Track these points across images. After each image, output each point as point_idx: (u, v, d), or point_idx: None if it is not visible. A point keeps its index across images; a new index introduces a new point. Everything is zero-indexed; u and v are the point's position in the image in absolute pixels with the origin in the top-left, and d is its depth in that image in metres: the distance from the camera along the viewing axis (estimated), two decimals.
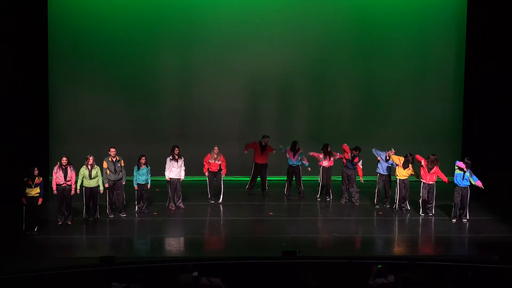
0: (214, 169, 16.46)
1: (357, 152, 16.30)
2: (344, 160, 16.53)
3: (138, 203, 15.64)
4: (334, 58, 19.30)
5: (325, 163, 16.78)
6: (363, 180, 16.60)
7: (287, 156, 17.08)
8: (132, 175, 15.50)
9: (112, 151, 15.17)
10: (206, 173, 16.51)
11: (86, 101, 18.86)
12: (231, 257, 12.45)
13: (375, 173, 16.42)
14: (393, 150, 16.07)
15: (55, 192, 14.58)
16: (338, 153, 16.78)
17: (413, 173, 15.88)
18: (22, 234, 13.88)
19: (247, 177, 18.19)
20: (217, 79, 19.15)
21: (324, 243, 14.28)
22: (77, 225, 14.67)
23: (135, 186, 15.50)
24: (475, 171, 15.31)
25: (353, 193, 16.62)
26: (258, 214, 16.08)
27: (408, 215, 15.89)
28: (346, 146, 16.50)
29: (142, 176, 15.44)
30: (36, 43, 17.55)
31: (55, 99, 18.63)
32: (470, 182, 15.16)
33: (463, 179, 15.13)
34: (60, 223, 14.56)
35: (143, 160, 15.41)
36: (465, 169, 15.12)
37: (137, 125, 19.03)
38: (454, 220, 15.35)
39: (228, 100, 19.20)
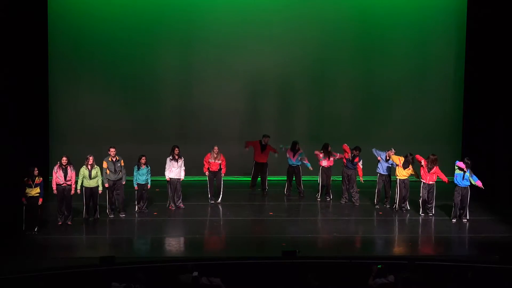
0: (214, 168, 16.46)
1: (357, 152, 16.30)
2: (345, 160, 16.53)
3: (138, 203, 15.65)
4: (334, 58, 19.30)
5: (325, 163, 16.78)
6: (363, 180, 16.60)
7: (287, 156, 17.09)
8: (132, 175, 15.50)
9: (112, 151, 15.17)
10: (206, 173, 16.51)
11: (86, 101, 18.86)
12: (231, 257, 12.45)
13: (375, 173, 16.42)
14: (393, 150, 16.07)
15: (55, 192, 14.58)
16: (338, 153, 16.78)
17: (413, 173, 15.88)
18: (22, 234, 13.88)
19: (247, 177, 18.22)
20: (217, 79, 19.15)
21: (324, 243, 14.28)
22: (77, 225, 14.68)
23: (135, 186, 15.50)
24: (475, 171, 15.31)
25: (353, 193, 16.62)
26: (258, 214, 16.08)
27: (408, 215, 15.90)
28: (346, 146, 16.50)
29: (142, 176, 15.45)
30: (36, 43, 17.54)
31: (55, 99, 18.63)
32: (470, 182, 15.17)
33: (463, 179, 15.13)
34: (60, 223, 14.57)
35: (143, 160, 15.42)
36: (465, 169, 15.13)
37: (137, 125, 19.04)
38: (454, 220, 15.35)
39: (228, 100, 19.20)
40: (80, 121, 18.86)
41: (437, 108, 19.45)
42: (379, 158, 16.23)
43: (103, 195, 15.08)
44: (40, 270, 11.45)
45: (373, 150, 16.39)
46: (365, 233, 14.77)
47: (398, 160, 15.80)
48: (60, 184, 14.51)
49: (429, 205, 15.73)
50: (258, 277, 11.11)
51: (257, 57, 19.12)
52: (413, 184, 16.05)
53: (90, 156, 14.81)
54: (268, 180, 17.53)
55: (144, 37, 18.84)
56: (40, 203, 14.14)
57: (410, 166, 15.76)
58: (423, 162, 15.58)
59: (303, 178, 17.29)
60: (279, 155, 17.35)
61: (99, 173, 14.89)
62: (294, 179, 17.21)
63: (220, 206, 16.46)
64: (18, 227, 14.01)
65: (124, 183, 15.33)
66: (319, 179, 16.96)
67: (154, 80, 19.10)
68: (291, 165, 17.10)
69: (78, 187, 14.77)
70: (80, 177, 14.77)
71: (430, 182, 15.61)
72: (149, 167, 15.50)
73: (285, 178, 17.40)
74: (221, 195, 16.55)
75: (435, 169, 15.56)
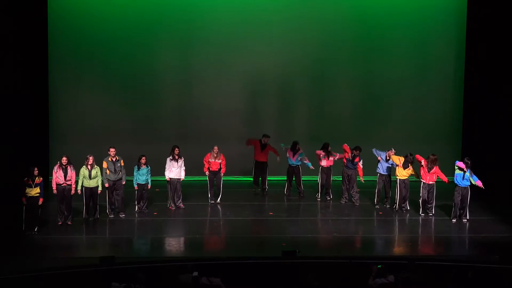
0: (215, 168, 16.47)
1: (358, 152, 16.29)
2: (345, 160, 16.53)
3: (138, 203, 15.65)
4: (334, 58, 19.30)
5: (324, 163, 16.78)
6: (364, 180, 16.60)
7: (287, 155, 17.09)
8: (132, 175, 15.50)
9: (112, 151, 15.17)
10: (207, 173, 16.51)
11: (86, 101, 18.86)
12: (231, 257, 12.45)
13: (375, 173, 16.41)
14: (393, 150, 16.06)
15: (55, 191, 14.58)
16: (338, 154, 16.78)
17: (413, 173, 15.87)
18: (22, 234, 13.88)
19: (247, 177, 18.23)
20: (217, 79, 19.15)
21: (324, 243, 14.28)
22: (77, 225, 14.67)
23: (135, 186, 15.50)
24: (475, 171, 15.30)
25: (353, 193, 16.62)
26: (258, 214, 16.08)
27: (408, 215, 15.89)
28: (346, 146, 16.50)
29: (142, 176, 15.45)
30: (36, 43, 17.55)
31: (55, 99, 18.63)
32: (471, 182, 15.16)
33: (463, 179, 15.13)
34: (60, 223, 14.56)
35: (143, 160, 15.42)
36: (465, 169, 15.12)
37: (137, 125, 19.03)
38: (454, 220, 15.35)
39: (228, 100, 19.20)
40: (80, 121, 18.85)
41: (437, 108, 19.45)
42: (379, 158, 16.23)
43: (103, 195, 15.08)
44: (40, 270, 11.45)
45: (373, 150, 16.39)
46: (365, 233, 14.77)
47: (398, 160, 15.79)
48: (60, 184, 14.51)
49: (429, 205, 15.72)
50: (258, 277, 11.11)
51: (257, 57, 19.12)
52: (413, 184, 16.05)
53: (90, 156, 14.81)
54: (268, 180, 17.53)
55: (144, 37, 18.84)
56: (41, 203, 14.13)
57: (410, 166, 15.75)
58: (423, 162, 15.58)
59: (303, 178, 17.28)
60: (281, 158, 17.32)
61: (99, 173, 14.89)
62: (294, 179, 17.21)
63: (220, 206, 16.46)
64: (18, 227, 14.01)
65: (124, 183, 15.32)
66: (319, 179, 16.96)
67: (154, 80, 19.10)
68: (291, 165, 17.10)
69: (79, 187, 14.76)
70: (80, 177, 14.76)
71: (430, 182, 15.61)
72: (149, 167, 15.50)
73: (285, 178, 17.39)
74: (220, 195, 16.55)
75: (435, 169, 15.56)
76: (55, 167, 14.60)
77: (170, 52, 19.04)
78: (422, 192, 15.67)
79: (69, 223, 14.61)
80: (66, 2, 18.62)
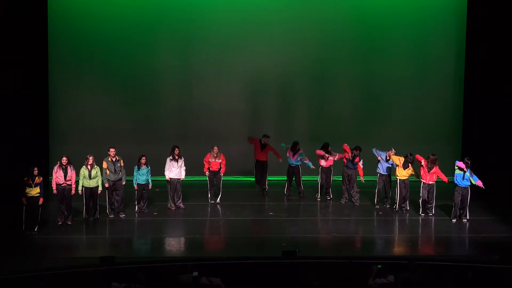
0: (215, 168, 16.47)
1: (358, 151, 16.29)
2: (345, 160, 16.52)
3: (138, 203, 15.65)
4: (334, 58, 19.30)
5: (324, 163, 16.78)
6: (364, 180, 16.59)
7: (287, 155, 17.10)
8: (132, 175, 15.50)
9: (112, 151, 15.17)
10: (207, 173, 16.51)
11: (86, 101, 18.86)
12: (231, 257, 12.45)
13: (375, 173, 16.41)
14: (393, 150, 16.06)
15: (54, 191, 14.58)
16: (338, 154, 16.77)
17: (413, 173, 15.87)
18: (22, 234, 13.88)
19: (247, 177, 18.23)
20: (217, 79, 19.15)
21: (324, 243, 14.28)
22: (77, 225, 14.67)
23: (135, 186, 15.50)
24: (475, 171, 15.30)
25: (353, 193, 16.62)
26: (258, 214, 16.08)
27: (408, 215, 15.89)
28: (346, 146, 16.50)
29: (142, 176, 15.45)
30: (36, 43, 17.55)
31: (55, 99, 18.64)
32: (471, 182, 15.16)
33: (463, 179, 15.13)
34: (60, 223, 14.56)
35: (143, 160, 15.42)
36: (465, 169, 15.12)
37: (137, 125, 19.03)
38: (454, 220, 15.35)
39: (228, 100, 19.20)
40: (80, 121, 18.85)
41: (437, 108, 19.44)
42: (379, 158, 16.22)
43: (103, 195, 15.08)
44: (40, 270, 11.45)
45: (374, 150, 16.38)
46: (365, 233, 14.77)
47: (398, 160, 15.79)
48: (60, 184, 14.50)
49: (429, 205, 15.72)
50: (258, 277, 11.11)
51: (257, 57, 19.12)
52: (413, 184, 16.05)
53: (90, 156, 14.81)
54: (268, 180, 17.53)
55: (144, 37, 18.84)
56: (41, 203, 14.14)
57: (410, 166, 15.75)
58: (423, 162, 15.57)
59: (303, 178, 17.28)
60: (282, 159, 17.33)
61: (99, 173, 14.89)
62: (294, 179, 17.21)
63: (220, 206, 16.46)
64: (18, 227, 14.01)
65: (124, 183, 15.32)
66: (319, 179, 16.96)
67: (154, 80, 19.10)
68: (291, 165, 17.10)
69: (80, 188, 14.76)
70: (81, 177, 14.77)
71: (430, 182, 15.61)
72: (149, 167, 15.50)
73: (285, 178, 17.39)
74: (220, 195, 16.56)
75: (435, 169, 15.55)
76: (55, 167, 14.60)
77: (170, 52, 19.04)
78: (422, 192, 15.66)
79: (69, 223, 14.61)
80: (66, 2, 18.62)
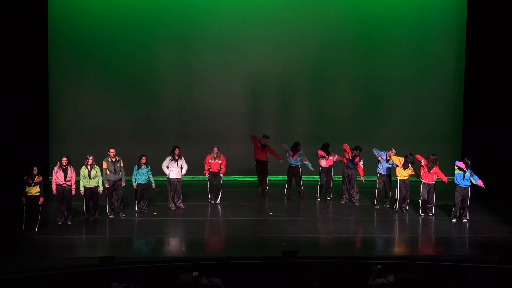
0: (215, 169, 16.47)
1: (358, 151, 16.28)
2: (345, 160, 16.52)
3: (138, 203, 15.65)
4: (334, 58, 19.29)
5: (324, 163, 16.78)
6: (364, 180, 16.59)
7: (287, 155, 17.10)
8: (131, 174, 15.49)
9: (112, 151, 15.17)
10: (207, 175, 16.50)
11: (86, 101, 18.86)
12: (231, 257, 12.45)
13: (376, 173, 16.41)
14: (393, 150, 16.05)
15: (54, 192, 14.57)
16: (337, 155, 16.77)
17: (413, 173, 15.86)
18: (22, 234, 13.88)
19: (247, 177, 18.23)
20: (217, 79, 19.15)
21: (324, 243, 14.28)
22: (77, 225, 14.67)
23: (134, 185, 15.50)
24: (475, 171, 15.30)
25: (353, 193, 16.62)
26: (258, 214, 16.08)
27: (408, 215, 15.88)
28: (346, 146, 16.49)
29: (142, 176, 15.45)
30: (36, 43, 17.56)
31: (55, 99, 18.64)
32: (471, 182, 15.16)
33: (463, 179, 15.13)
34: (60, 223, 14.56)
35: (143, 160, 15.43)
36: (465, 169, 15.12)
37: (137, 125, 19.04)
38: (454, 220, 15.35)
39: (228, 100, 19.20)
40: (80, 121, 18.86)
41: (437, 108, 19.44)
42: (379, 158, 16.22)
43: (103, 195, 15.08)
44: (40, 270, 11.45)
45: (374, 150, 16.38)
46: (365, 233, 14.77)
47: (398, 160, 15.78)
48: (60, 185, 14.50)
49: (429, 205, 15.72)
50: (258, 277, 11.11)
51: (257, 57, 19.12)
52: (413, 184, 16.05)
53: (89, 156, 14.81)
54: (268, 180, 17.53)
55: (144, 37, 18.84)
56: (41, 202, 14.14)
57: (410, 166, 15.75)
58: (423, 162, 15.57)
59: (303, 178, 17.28)
60: (282, 160, 17.34)
61: (99, 173, 14.89)
62: (294, 179, 17.20)
63: (220, 206, 16.46)
64: (18, 227, 14.01)
65: (124, 184, 15.31)
66: (319, 179, 16.96)
67: (154, 80, 19.10)
68: (291, 165, 17.10)
69: (81, 188, 14.76)
70: (81, 177, 14.77)
71: (430, 182, 15.61)
72: (149, 167, 15.51)
73: (285, 178, 17.39)
74: (220, 195, 16.56)
75: (435, 169, 15.55)
76: (55, 168, 14.59)
77: (170, 52, 19.04)
78: (422, 192, 15.66)
79: (69, 223, 14.61)
80: (66, 2, 18.62)
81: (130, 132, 18.88)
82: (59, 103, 18.72)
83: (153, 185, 15.62)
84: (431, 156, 15.57)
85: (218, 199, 16.57)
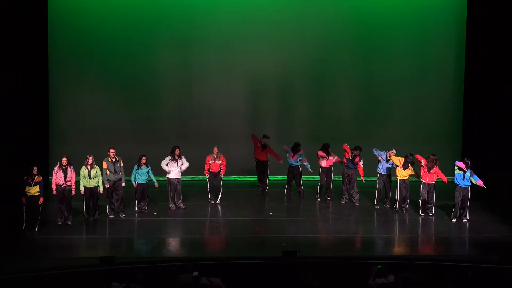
0: (215, 169, 16.47)
1: (358, 151, 16.28)
2: (345, 160, 16.52)
3: (138, 203, 15.65)
4: (334, 58, 19.29)
5: (324, 163, 16.78)
6: (364, 180, 16.59)
7: (287, 156, 17.10)
8: (131, 174, 15.49)
9: (112, 151, 15.17)
10: (207, 175, 16.50)
11: (86, 101, 18.86)
12: (231, 257, 12.45)
13: (376, 173, 16.41)
14: (394, 150, 16.05)
15: (54, 192, 14.57)
16: (336, 156, 16.76)
17: (413, 173, 15.86)
18: (22, 234, 13.88)
19: (247, 177, 18.23)
20: (217, 79, 19.15)
21: (324, 243, 14.28)
22: (77, 225, 14.67)
23: (134, 184, 15.49)
24: (475, 171, 15.30)
25: (353, 193, 16.61)
26: (258, 214, 16.08)
27: (408, 215, 15.88)
28: (346, 146, 16.49)
29: (141, 175, 15.46)
30: (36, 43, 17.56)
31: (55, 99, 18.65)
32: (471, 182, 15.16)
33: (463, 179, 15.12)
34: (60, 223, 14.56)
35: (143, 160, 15.43)
36: (465, 169, 15.12)
37: (137, 125, 19.04)
38: (454, 220, 15.35)
39: (228, 100, 19.20)
40: (80, 121, 18.86)
41: (437, 108, 19.44)
42: (379, 158, 16.22)
43: (103, 195, 15.08)
44: (40, 270, 11.45)
45: (374, 150, 16.38)
46: (365, 233, 14.77)
47: (398, 161, 15.78)
48: (60, 185, 14.50)
49: (429, 205, 15.72)
50: (258, 277, 11.11)
51: (257, 57, 19.12)
52: (413, 184, 16.05)
53: (89, 156, 14.81)
54: (268, 180, 17.53)
55: (144, 37, 18.84)
56: (41, 202, 14.14)
57: (410, 166, 15.74)
58: (423, 162, 15.57)
59: (303, 178, 17.28)
60: (283, 161, 17.34)
61: (99, 173, 14.89)
62: (294, 179, 17.20)
63: (220, 206, 16.46)
64: (18, 227, 14.01)
65: (123, 185, 15.31)
66: (320, 179, 16.97)
67: (154, 80, 19.11)
68: (291, 165, 17.10)
69: (81, 188, 14.76)
70: (81, 177, 14.77)
71: (430, 182, 15.61)
72: (149, 167, 15.51)
73: (285, 178, 17.39)
74: (220, 196, 16.56)
75: (435, 169, 15.55)
76: (55, 168, 14.59)
77: (170, 52, 19.04)
78: (422, 192, 15.66)
79: (69, 223, 14.61)
80: (66, 2, 18.63)
81: (130, 132, 18.89)
82: (59, 103, 18.72)
83: (156, 185, 15.60)
84: (431, 156, 15.56)
85: (218, 199, 16.57)
